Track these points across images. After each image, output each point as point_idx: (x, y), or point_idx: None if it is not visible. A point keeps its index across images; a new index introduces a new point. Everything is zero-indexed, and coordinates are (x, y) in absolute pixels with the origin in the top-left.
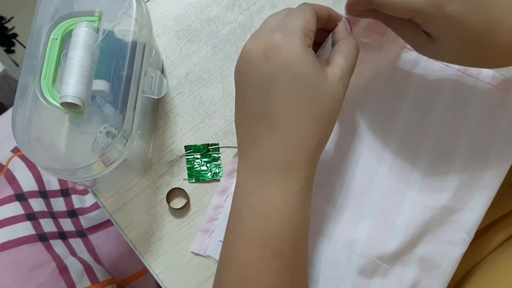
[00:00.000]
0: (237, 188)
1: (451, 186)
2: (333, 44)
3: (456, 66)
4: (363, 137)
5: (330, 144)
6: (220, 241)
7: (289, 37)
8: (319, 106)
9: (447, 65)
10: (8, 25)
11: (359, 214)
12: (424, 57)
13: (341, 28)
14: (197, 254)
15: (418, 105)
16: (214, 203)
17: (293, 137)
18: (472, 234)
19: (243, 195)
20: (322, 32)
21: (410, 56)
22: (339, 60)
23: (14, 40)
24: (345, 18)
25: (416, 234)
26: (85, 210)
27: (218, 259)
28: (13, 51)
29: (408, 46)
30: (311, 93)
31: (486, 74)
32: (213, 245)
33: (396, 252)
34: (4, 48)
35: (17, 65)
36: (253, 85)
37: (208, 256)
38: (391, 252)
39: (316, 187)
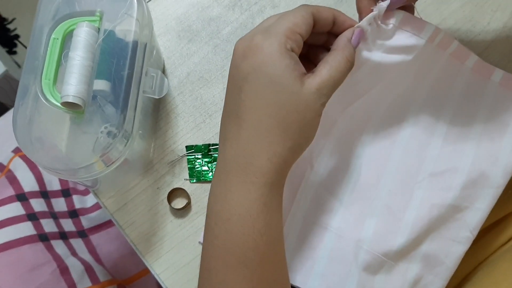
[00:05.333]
0: (210, 192)
1: (459, 184)
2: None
3: (470, 64)
4: (371, 134)
5: (338, 142)
6: None
7: (268, 39)
8: (289, 112)
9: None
10: (10, 26)
11: (366, 210)
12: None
13: (342, 37)
14: None
15: (427, 105)
16: None
17: (257, 139)
18: (475, 232)
19: (211, 199)
20: (332, 37)
21: (428, 58)
22: (323, 71)
23: (16, 41)
24: (357, 27)
25: (422, 232)
26: (86, 210)
27: None
28: (15, 52)
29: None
30: (280, 97)
31: (497, 74)
32: None
33: (401, 249)
34: (6, 49)
35: (19, 66)
36: (231, 83)
37: None
38: (397, 249)
39: (323, 183)
